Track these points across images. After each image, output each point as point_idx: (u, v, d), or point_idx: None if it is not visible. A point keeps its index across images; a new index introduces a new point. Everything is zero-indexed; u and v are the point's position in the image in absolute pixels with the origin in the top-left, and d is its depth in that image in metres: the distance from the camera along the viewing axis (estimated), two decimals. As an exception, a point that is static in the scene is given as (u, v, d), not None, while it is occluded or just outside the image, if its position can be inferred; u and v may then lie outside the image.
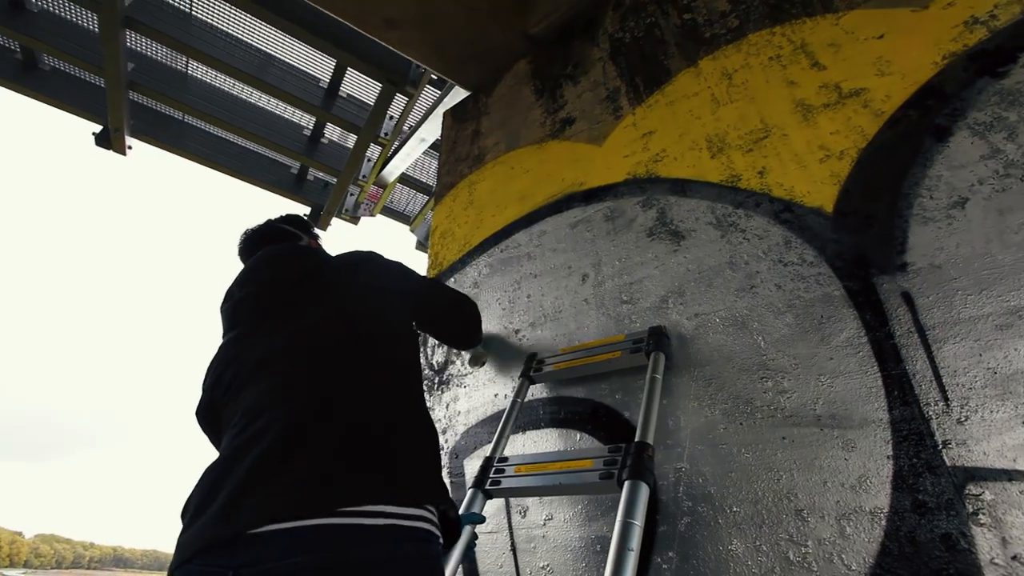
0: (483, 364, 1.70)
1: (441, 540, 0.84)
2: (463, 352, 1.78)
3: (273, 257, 1.12)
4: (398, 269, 1.23)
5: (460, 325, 1.49)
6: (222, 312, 1.08)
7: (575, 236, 1.68)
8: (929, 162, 1.12)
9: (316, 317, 0.96)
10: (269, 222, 1.30)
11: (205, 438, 1.06)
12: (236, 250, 1.27)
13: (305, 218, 1.34)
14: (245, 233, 1.28)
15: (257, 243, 1.24)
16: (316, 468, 0.73)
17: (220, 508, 0.71)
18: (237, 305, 1.05)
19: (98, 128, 4.04)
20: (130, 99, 3.93)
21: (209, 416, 1.00)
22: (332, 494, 0.70)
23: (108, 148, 4.13)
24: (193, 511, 0.75)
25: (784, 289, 1.19)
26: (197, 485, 0.80)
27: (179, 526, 0.78)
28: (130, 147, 4.18)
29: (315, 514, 0.67)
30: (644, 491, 0.95)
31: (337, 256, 1.17)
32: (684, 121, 1.61)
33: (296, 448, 0.75)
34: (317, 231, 1.38)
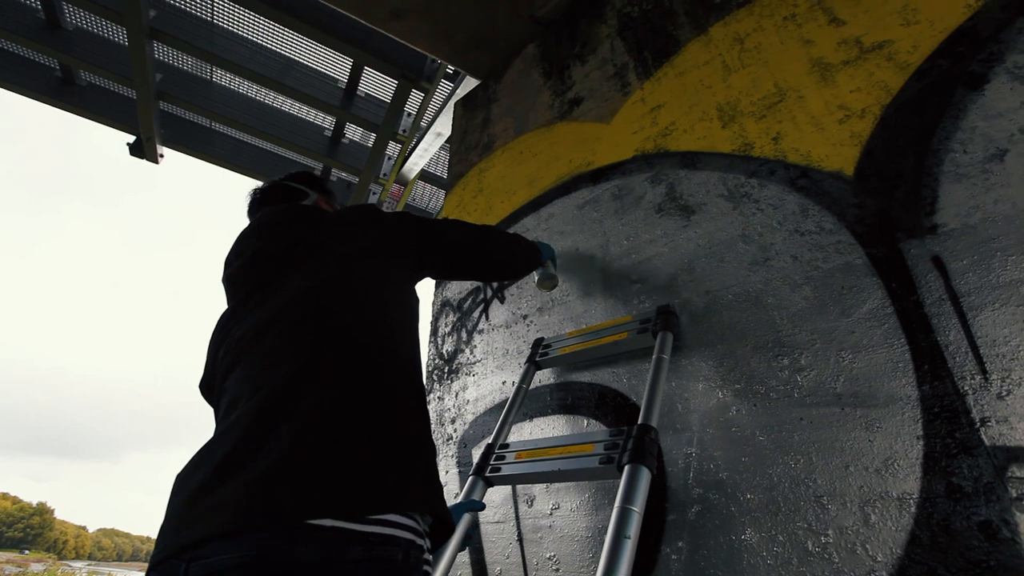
0: (554, 286, 1.49)
1: (428, 548, 0.75)
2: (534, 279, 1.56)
3: (268, 222, 1.04)
4: (399, 222, 1.09)
5: (498, 257, 1.28)
6: (223, 282, 1.04)
7: (582, 217, 1.62)
8: (962, 113, 1.02)
9: (295, 290, 0.88)
10: (275, 181, 1.23)
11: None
12: (246, 207, 1.22)
13: (317, 174, 1.26)
14: (251, 193, 1.22)
15: (261, 204, 1.18)
16: (258, 481, 0.65)
17: (178, 514, 0.68)
18: (233, 275, 1.00)
19: (131, 139, 4.21)
20: (160, 109, 4.08)
21: (209, 392, 0.97)
22: (282, 507, 0.62)
23: (142, 157, 4.30)
24: (169, 506, 0.73)
25: (801, 260, 1.11)
26: (176, 479, 0.77)
27: None
28: (162, 155, 4.35)
29: (256, 527, 0.61)
30: (645, 475, 0.89)
31: (336, 214, 1.06)
32: (694, 92, 1.53)
33: (248, 457, 0.68)
34: (329, 187, 1.29)
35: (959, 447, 0.82)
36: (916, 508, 0.82)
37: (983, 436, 0.80)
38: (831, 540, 0.88)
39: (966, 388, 0.84)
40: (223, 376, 0.87)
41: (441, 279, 1.24)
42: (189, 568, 0.61)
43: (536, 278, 1.47)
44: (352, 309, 0.88)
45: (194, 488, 0.69)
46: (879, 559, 0.82)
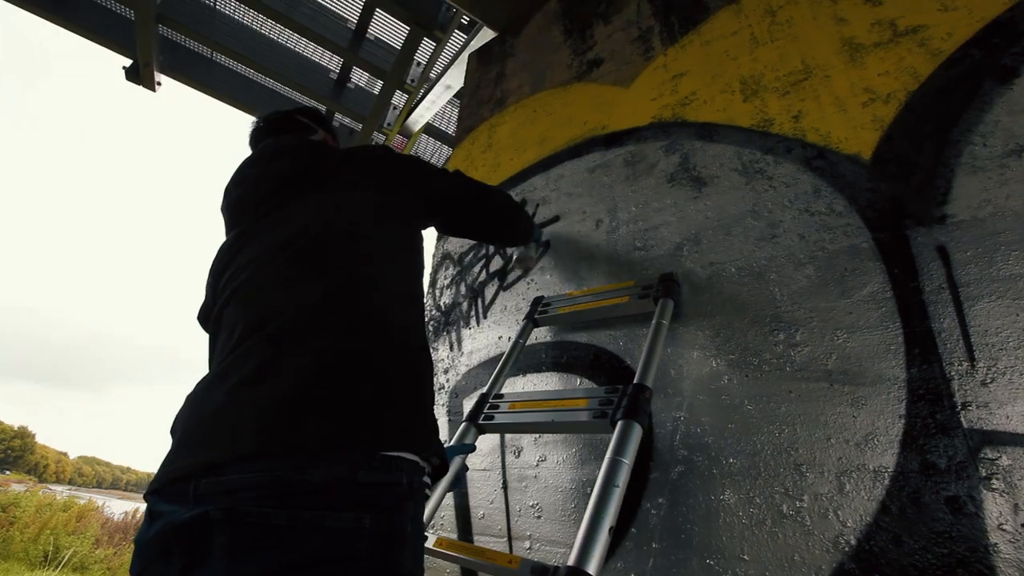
0: (527, 270, 1.52)
1: (428, 476, 0.79)
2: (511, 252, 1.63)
3: (272, 151, 1.01)
4: (411, 166, 1.07)
5: (500, 218, 1.30)
6: (222, 211, 1.02)
7: (592, 181, 1.61)
8: (987, 106, 1.01)
9: (305, 221, 0.87)
10: (280, 111, 1.20)
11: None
12: (248, 135, 1.18)
13: (324, 113, 1.23)
14: (256, 121, 1.18)
15: (267, 133, 1.15)
16: (277, 408, 0.66)
17: (189, 438, 0.70)
18: (232, 204, 0.99)
19: (128, 62, 4.05)
20: (159, 34, 3.91)
21: (204, 322, 0.96)
22: (300, 434, 0.64)
23: (138, 83, 4.14)
24: (176, 435, 0.74)
25: (807, 240, 1.12)
26: (185, 402, 0.77)
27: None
28: (159, 83, 4.19)
29: (270, 453, 0.63)
30: (636, 431, 0.93)
31: (345, 150, 1.04)
32: (719, 62, 1.50)
33: (261, 383, 0.69)
34: (335, 130, 1.27)
35: (938, 427, 0.85)
36: (889, 481, 0.86)
37: (962, 419, 0.84)
38: (805, 505, 0.92)
39: (952, 373, 0.87)
40: (226, 302, 0.86)
41: (443, 229, 1.24)
42: (199, 486, 0.63)
43: (517, 253, 1.54)
44: (362, 243, 0.87)
45: (208, 412, 0.70)
46: (849, 524, 0.87)
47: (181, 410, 0.77)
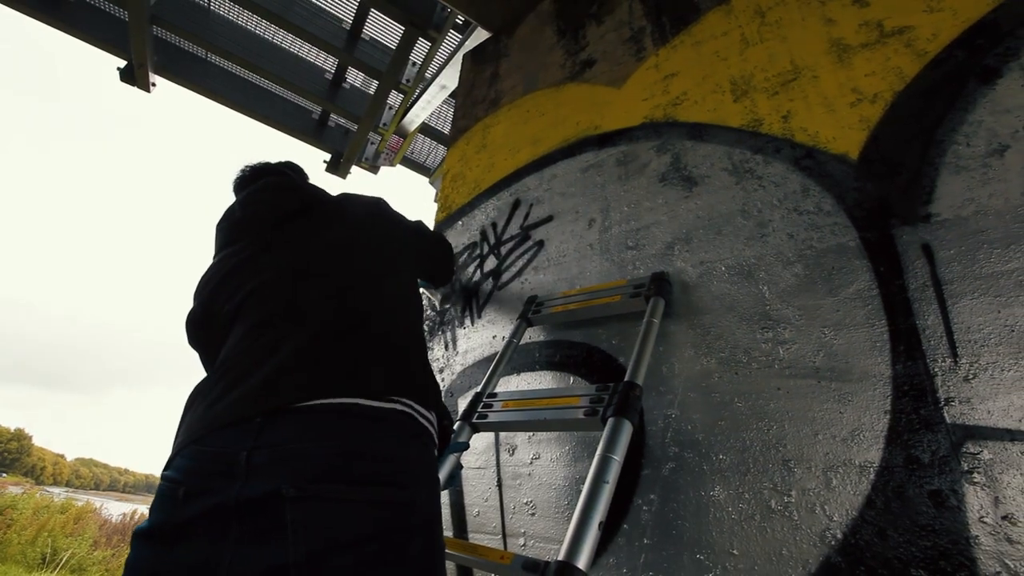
0: (448, 304, 1.78)
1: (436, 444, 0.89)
2: (438, 293, 1.85)
3: (279, 185, 1.11)
4: (403, 219, 1.23)
5: (447, 262, 1.50)
6: (219, 229, 1.08)
7: (585, 181, 1.62)
8: (971, 106, 1.03)
9: (328, 242, 0.98)
10: (269, 162, 1.28)
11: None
12: (233, 181, 1.23)
13: (302, 169, 1.29)
14: (244, 167, 1.23)
15: (258, 175, 1.20)
16: (346, 363, 0.78)
17: (251, 388, 0.73)
18: (238, 223, 1.05)
19: (123, 63, 4.04)
20: (154, 34, 3.90)
21: (206, 326, 0.99)
22: (358, 384, 0.75)
23: (132, 84, 4.14)
24: (213, 398, 0.75)
25: (796, 238, 1.13)
26: (212, 376, 0.80)
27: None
28: (154, 84, 4.19)
29: (340, 395, 0.72)
30: (627, 428, 0.94)
31: (339, 195, 1.16)
32: (709, 63, 1.51)
33: (325, 348, 0.79)
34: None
35: (922, 423, 0.87)
36: (875, 475, 0.88)
37: (945, 414, 0.86)
38: (793, 500, 0.94)
39: (936, 369, 0.89)
40: (241, 309, 0.90)
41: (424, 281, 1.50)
42: (255, 455, 0.65)
43: (441, 293, 1.83)
44: (385, 262, 1.02)
45: (274, 367, 0.76)
46: (835, 519, 0.89)
47: (209, 381, 0.80)
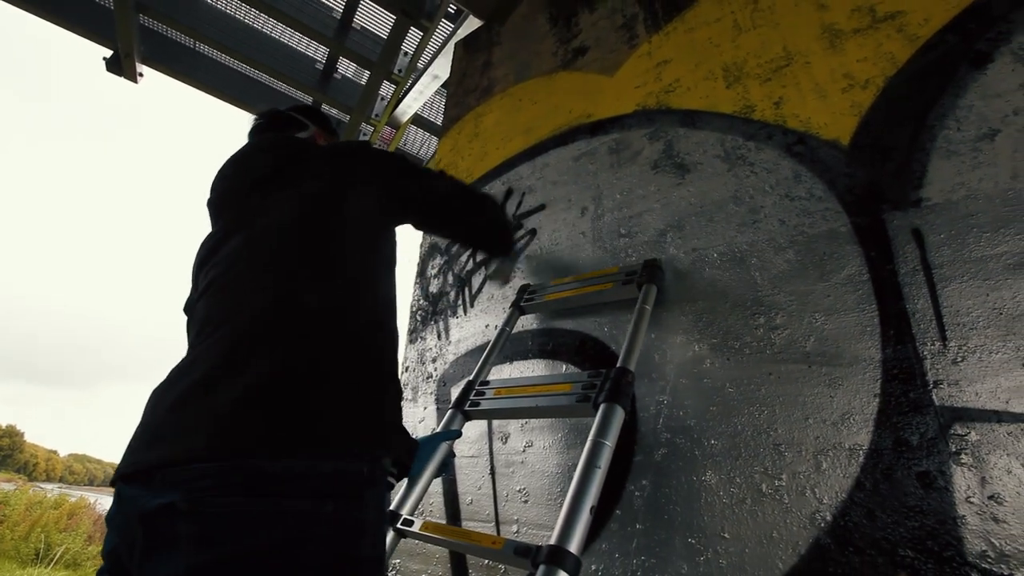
0: (507, 282, 1.57)
1: (394, 472, 0.84)
2: (489, 264, 1.64)
3: (255, 149, 1.05)
4: (383, 163, 1.06)
5: (481, 225, 1.29)
6: (207, 206, 1.04)
7: (577, 169, 1.61)
8: (962, 91, 1.03)
9: (273, 220, 0.89)
10: (275, 109, 1.23)
11: None
12: (247, 136, 1.21)
13: (321, 110, 1.24)
14: (254, 119, 1.21)
15: (262, 130, 1.17)
16: (230, 412, 0.67)
17: (150, 432, 0.71)
18: (215, 200, 1.01)
19: (109, 53, 3.97)
20: (140, 23, 3.83)
21: (188, 316, 0.98)
22: (243, 442, 0.65)
23: (119, 74, 4.07)
24: (141, 422, 0.75)
25: (788, 224, 1.13)
26: (157, 388, 0.79)
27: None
28: (141, 74, 4.12)
29: (223, 457, 0.64)
30: (618, 413, 0.94)
31: (323, 147, 1.05)
32: (702, 49, 1.50)
33: (215, 387, 0.70)
34: (332, 125, 1.28)
35: (911, 406, 0.88)
36: (864, 458, 0.89)
37: (934, 396, 0.86)
38: (784, 483, 0.94)
39: (925, 353, 0.89)
40: (199, 295, 0.89)
41: (421, 228, 1.25)
42: (165, 475, 0.64)
43: (495, 264, 1.61)
44: (329, 244, 0.88)
45: (169, 406, 0.72)
46: (825, 501, 0.89)
47: (152, 395, 0.78)
